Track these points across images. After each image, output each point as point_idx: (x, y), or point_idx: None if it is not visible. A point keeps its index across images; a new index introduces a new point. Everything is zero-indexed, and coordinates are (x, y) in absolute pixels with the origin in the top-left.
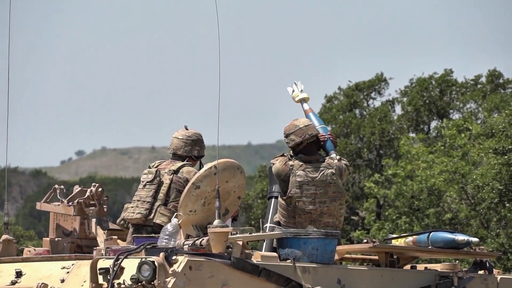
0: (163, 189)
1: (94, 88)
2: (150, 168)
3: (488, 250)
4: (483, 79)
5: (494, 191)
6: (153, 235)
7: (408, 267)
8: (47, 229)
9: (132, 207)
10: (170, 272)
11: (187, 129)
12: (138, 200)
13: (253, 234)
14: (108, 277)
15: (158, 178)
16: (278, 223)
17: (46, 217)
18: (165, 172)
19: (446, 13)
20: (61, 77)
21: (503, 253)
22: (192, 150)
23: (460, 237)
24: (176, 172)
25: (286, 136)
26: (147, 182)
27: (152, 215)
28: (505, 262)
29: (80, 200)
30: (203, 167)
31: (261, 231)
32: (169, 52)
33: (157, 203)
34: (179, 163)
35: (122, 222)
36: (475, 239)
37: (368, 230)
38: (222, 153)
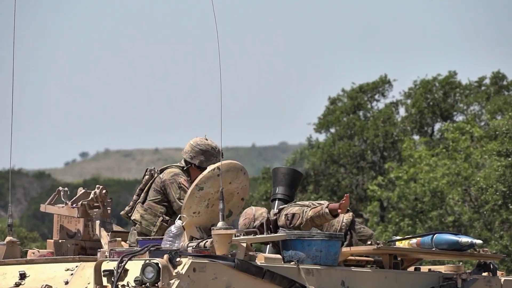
0: (146, 188)
1: (97, 90)
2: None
3: (492, 252)
4: (487, 81)
5: (497, 193)
6: (157, 237)
7: (412, 269)
8: (51, 230)
9: None
10: (174, 274)
11: (206, 139)
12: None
13: (257, 236)
14: (112, 279)
15: (146, 177)
16: None
17: (50, 218)
18: (155, 172)
19: (450, 15)
20: (65, 79)
21: (507, 255)
22: (195, 158)
23: (464, 239)
24: (161, 172)
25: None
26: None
27: (132, 212)
28: (509, 264)
29: (84, 202)
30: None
31: (265, 233)
32: (172, 54)
33: (138, 201)
34: (171, 165)
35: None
36: (479, 241)
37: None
38: (226, 155)
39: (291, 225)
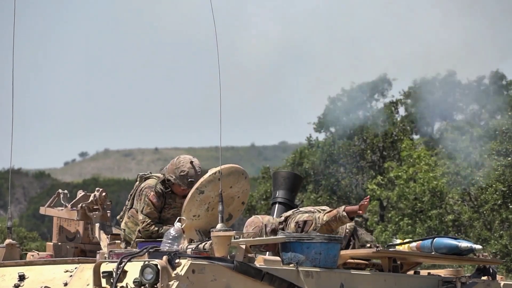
0: (132, 196)
1: (97, 89)
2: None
3: (491, 252)
4: (486, 81)
5: (497, 193)
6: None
7: (411, 272)
8: (50, 230)
9: None
10: (173, 275)
11: (191, 161)
12: None
13: (257, 238)
14: (111, 281)
15: (137, 183)
16: None
17: (50, 218)
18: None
19: (449, 14)
20: (64, 79)
21: (506, 255)
22: (167, 173)
23: (464, 243)
24: (145, 180)
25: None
26: None
27: (123, 218)
28: (509, 264)
29: (83, 205)
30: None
31: (264, 235)
32: (171, 54)
33: (128, 207)
34: (152, 175)
35: None
36: (478, 246)
37: (371, 232)
38: (225, 154)
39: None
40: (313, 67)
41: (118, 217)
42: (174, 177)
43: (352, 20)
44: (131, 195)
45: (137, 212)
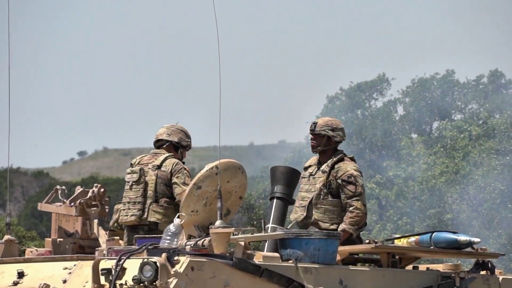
0: (151, 186)
1: (95, 88)
2: (133, 165)
3: (490, 250)
4: (485, 80)
5: (496, 192)
6: (155, 235)
7: (410, 267)
8: (49, 229)
9: (124, 209)
10: (172, 272)
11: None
12: (129, 202)
13: (255, 234)
14: (110, 278)
15: (143, 177)
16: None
17: (48, 217)
18: (149, 168)
19: (448, 13)
20: (63, 77)
21: (505, 254)
22: (173, 136)
23: (463, 237)
24: (159, 166)
25: (338, 129)
26: (133, 182)
27: (146, 214)
28: (507, 263)
29: (82, 201)
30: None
31: (263, 231)
32: (170, 53)
33: (148, 202)
34: (162, 156)
35: (115, 224)
36: (477, 239)
37: (369, 230)
38: (224, 153)
39: (341, 181)
40: (312, 67)
41: (132, 219)
42: (189, 139)
43: (352, 20)
44: (145, 190)
45: (169, 198)
